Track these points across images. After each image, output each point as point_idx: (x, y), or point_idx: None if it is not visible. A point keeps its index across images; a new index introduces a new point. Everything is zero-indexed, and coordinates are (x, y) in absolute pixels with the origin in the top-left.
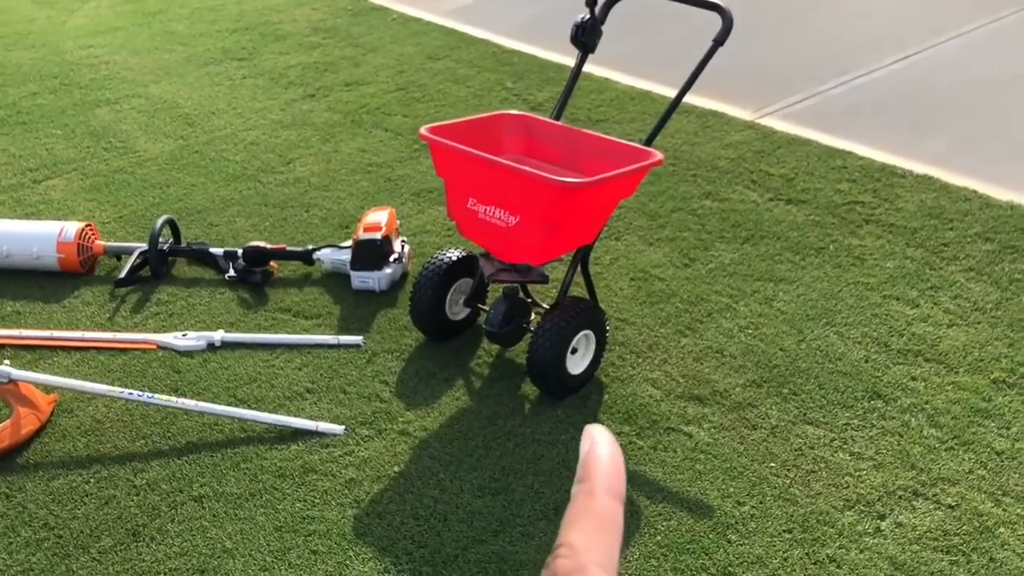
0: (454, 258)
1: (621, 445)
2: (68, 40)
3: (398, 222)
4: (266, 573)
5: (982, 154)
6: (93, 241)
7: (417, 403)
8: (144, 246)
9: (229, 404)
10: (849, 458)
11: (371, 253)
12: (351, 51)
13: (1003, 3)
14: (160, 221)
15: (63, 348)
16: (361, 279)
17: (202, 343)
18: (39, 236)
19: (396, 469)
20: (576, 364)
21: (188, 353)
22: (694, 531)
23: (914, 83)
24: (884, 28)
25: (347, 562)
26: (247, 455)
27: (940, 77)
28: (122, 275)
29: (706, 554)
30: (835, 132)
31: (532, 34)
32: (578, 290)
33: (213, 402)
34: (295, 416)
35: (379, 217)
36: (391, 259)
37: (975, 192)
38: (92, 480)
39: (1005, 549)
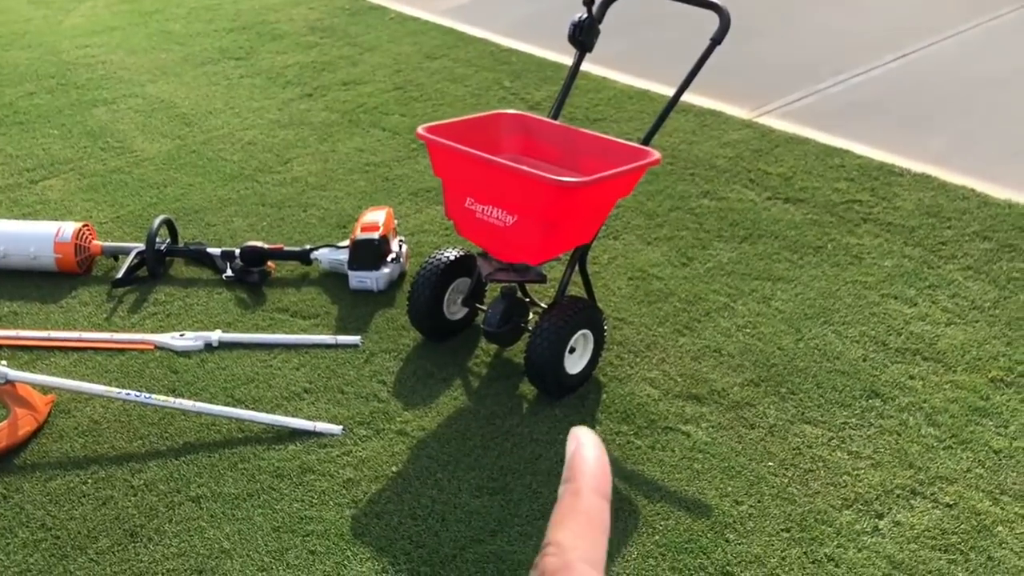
0: (452, 258)
1: (619, 445)
2: (64, 40)
3: (396, 222)
4: (264, 573)
5: (980, 153)
6: (90, 241)
7: (415, 403)
8: (141, 246)
9: (227, 404)
10: (847, 457)
11: (369, 253)
12: (348, 50)
13: (1001, 1)
14: (157, 221)
15: (60, 348)
16: (359, 279)
17: (199, 343)
18: (36, 236)
19: (394, 469)
20: (574, 364)
21: (185, 353)
22: (692, 530)
23: (912, 82)
24: (882, 27)
25: (345, 562)
26: (245, 455)
27: (938, 76)
28: (119, 275)
29: (704, 553)
30: (833, 131)
31: (530, 33)
32: (576, 289)
33: (211, 402)
34: (293, 416)
35: (377, 217)
36: (389, 259)
37: (973, 191)
38: (89, 481)
39: (1003, 547)
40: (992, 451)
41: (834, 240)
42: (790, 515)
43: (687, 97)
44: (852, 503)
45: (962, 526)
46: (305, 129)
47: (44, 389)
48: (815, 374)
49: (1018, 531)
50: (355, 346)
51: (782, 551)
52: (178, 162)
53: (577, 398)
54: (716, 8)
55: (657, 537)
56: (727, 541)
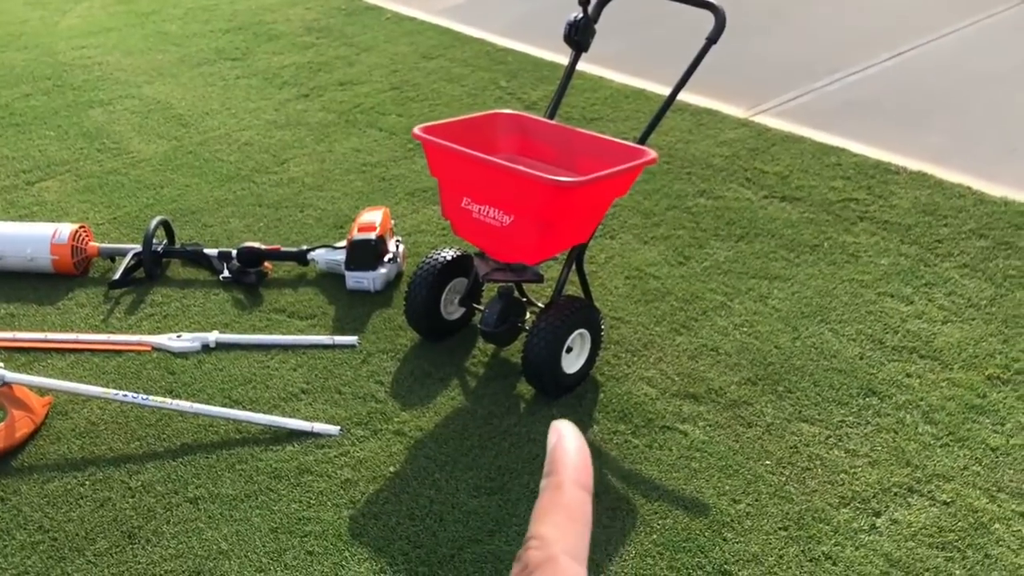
0: (449, 258)
1: (616, 444)
2: (61, 41)
3: (392, 222)
4: (262, 574)
5: (976, 151)
6: (87, 243)
7: (412, 403)
8: (138, 247)
9: (224, 405)
10: (844, 455)
11: (366, 253)
12: (345, 51)
13: None
14: (154, 222)
15: (57, 350)
16: (356, 279)
17: (197, 344)
18: (33, 238)
19: (392, 469)
20: (571, 363)
21: (183, 354)
22: (690, 529)
23: (908, 80)
24: (878, 25)
25: (343, 563)
26: (242, 456)
27: (934, 74)
28: (116, 276)
29: (702, 552)
30: (829, 129)
31: (526, 33)
32: (573, 289)
33: (208, 403)
34: (290, 417)
35: (374, 217)
36: (386, 259)
37: (969, 188)
38: (87, 482)
39: (1000, 545)
40: (989, 449)
41: (830, 238)
42: (787, 513)
43: (683, 96)
44: (849, 501)
45: (959, 524)
46: (302, 129)
47: (41, 391)
48: (812, 372)
49: (1015, 528)
50: (352, 346)
51: (780, 549)
52: (175, 163)
53: (574, 397)
54: (712, 7)
55: (655, 536)
56: (725, 540)
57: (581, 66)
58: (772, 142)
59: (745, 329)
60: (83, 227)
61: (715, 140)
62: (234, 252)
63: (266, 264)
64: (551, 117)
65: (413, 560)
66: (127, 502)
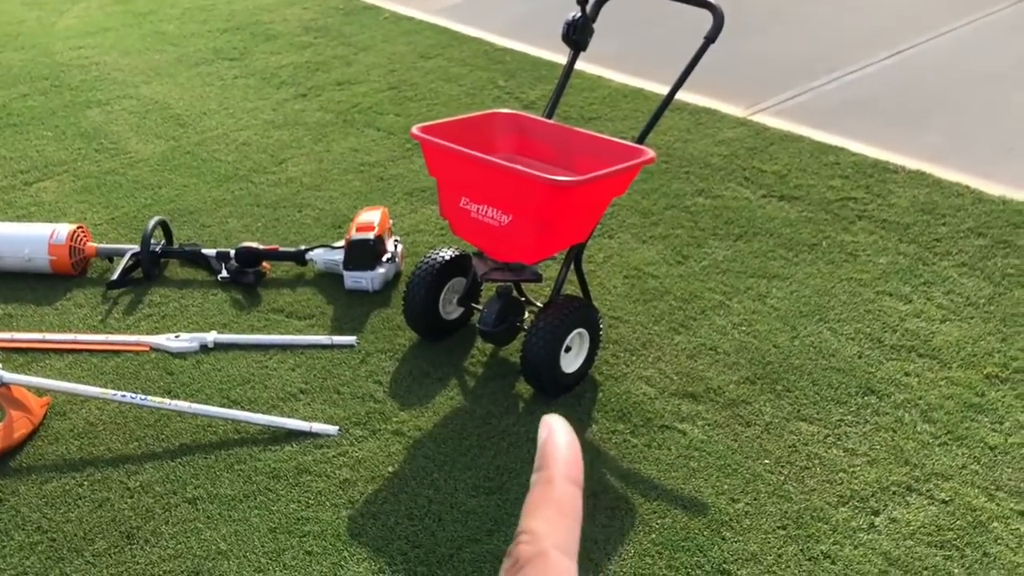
0: (447, 257)
1: (615, 443)
2: (58, 41)
3: (391, 222)
4: (261, 574)
5: (974, 149)
6: (85, 243)
7: (411, 403)
8: (136, 248)
9: (222, 405)
10: (843, 454)
11: (364, 253)
12: (343, 50)
13: None
14: (152, 222)
15: (55, 351)
16: (354, 279)
17: (195, 344)
18: (30, 238)
19: (390, 469)
20: (570, 363)
21: (181, 355)
22: (689, 528)
23: (906, 79)
24: (876, 24)
25: (342, 563)
26: (241, 456)
27: (933, 73)
28: (114, 277)
29: (701, 551)
30: (827, 128)
31: (524, 32)
32: (571, 288)
33: (206, 404)
34: (289, 417)
35: (372, 217)
36: (384, 259)
37: (967, 187)
38: (85, 483)
39: (998, 544)
40: (987, 447)
41: (829, 237)
42: (786, 512)
43: (681, 95)
44: (848, 500)
45: (958, 522)
46: (300, 129)
47: (39, 391)
48: (810, 371)
49: (1013, 527)
50: (351, 346)
51: (778, 548)
52: (172, 163)
53: (573, 397)
54: (710, 7)
55: (654, 535)
56: (723, 539)
57: (579, 65)
58: (770, 141)
59: (744, 328)
60: (81, 227)
61: (713, 139)
62: (232, 252)
63: (264, 264)
64: (549, 116)
65: (412, 560)
66: (126, 502)
